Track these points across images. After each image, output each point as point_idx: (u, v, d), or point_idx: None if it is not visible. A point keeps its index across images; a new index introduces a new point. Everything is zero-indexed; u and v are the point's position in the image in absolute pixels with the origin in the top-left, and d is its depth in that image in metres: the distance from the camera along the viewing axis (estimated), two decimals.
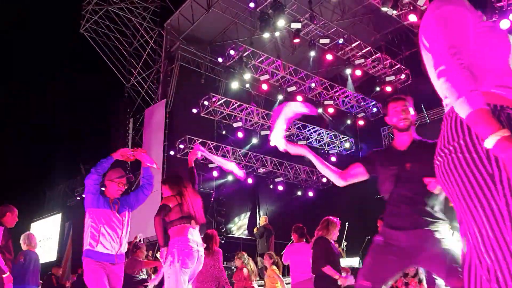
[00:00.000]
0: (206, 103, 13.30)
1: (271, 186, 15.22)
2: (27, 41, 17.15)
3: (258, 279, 8.51)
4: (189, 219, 4.01)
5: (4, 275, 4.42)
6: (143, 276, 6.33)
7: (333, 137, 15.43)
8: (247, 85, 13.98)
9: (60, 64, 16.70)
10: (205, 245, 4.40)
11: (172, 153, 13.44)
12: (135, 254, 6.31)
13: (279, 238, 11.89)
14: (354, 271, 9.51)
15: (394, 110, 2.78)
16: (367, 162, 2.88)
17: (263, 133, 14.20)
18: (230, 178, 14.41)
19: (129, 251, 6.17)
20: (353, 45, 12.73)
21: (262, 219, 11.41)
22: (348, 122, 14.99)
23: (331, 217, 5.23)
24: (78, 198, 17.00)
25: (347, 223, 11.86)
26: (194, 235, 4.03)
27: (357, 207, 13.09)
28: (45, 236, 18.50)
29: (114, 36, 15.83)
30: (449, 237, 2.66)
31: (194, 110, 13.61)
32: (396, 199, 2.73)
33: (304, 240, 6.09)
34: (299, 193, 15.76)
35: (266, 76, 12.91)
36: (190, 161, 4.47)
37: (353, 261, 10.86)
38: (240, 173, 4.36)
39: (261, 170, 14.86)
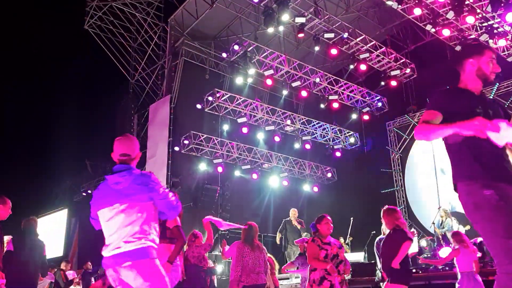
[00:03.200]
0: (210, 98, 13.29)
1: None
2: (31, 38, 17.18)
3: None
4: None
5: None
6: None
7: (338, 132, 15.36)
8: (252, 80, 13.96)
9: (65, 60, 16.74)
10: None
11: (177, 148, 13.45)
12: (194, 243, 5.98)
13: None
14: (358, 266, 9.53)
15: (491, 59, 2.54)
16: (445, 104, 2.49)
17: (267, 128, 14.18)
18: (235, 173, 14.43)
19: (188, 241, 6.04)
20: (358, 39, 12.66)
21: (292, 213, 10.85)
22: (353, 117, 14.92)
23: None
24: (84, 194, 17.07)
25: (352, 218, 11.86)
26: None
27: (362, 202, 13.06)
28: (52, 232, 18.63)
29: (118, 32, 15.85)
30: None
31: (199, 106, 13.60)
32: (486, 147, 2.34)
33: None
34: (304, 188, 15.74)
35: (271, 71, 12.86)
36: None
37: (358, 256, 10.82)
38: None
39: (266, 165, 14.86)
